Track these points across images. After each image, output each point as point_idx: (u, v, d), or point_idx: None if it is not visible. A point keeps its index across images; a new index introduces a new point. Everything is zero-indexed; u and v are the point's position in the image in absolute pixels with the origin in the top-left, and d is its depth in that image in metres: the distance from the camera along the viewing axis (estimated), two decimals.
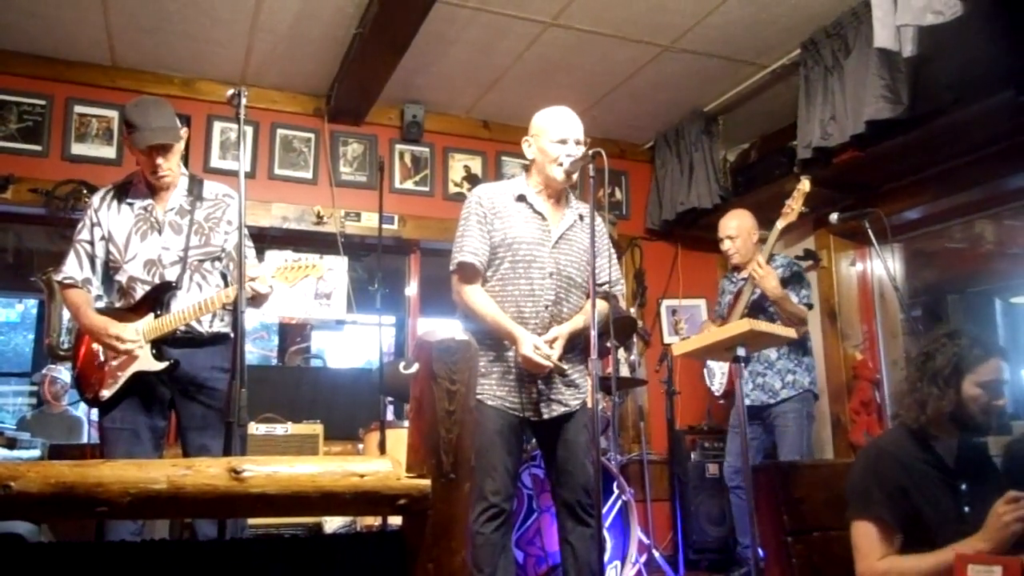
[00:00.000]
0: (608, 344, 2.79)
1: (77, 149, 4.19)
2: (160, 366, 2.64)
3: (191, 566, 1.10)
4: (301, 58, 4.24)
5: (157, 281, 2.70)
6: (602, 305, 2.60)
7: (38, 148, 4.11)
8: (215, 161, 4.42)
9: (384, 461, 1.12)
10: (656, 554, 3.91)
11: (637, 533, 3.58)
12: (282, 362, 5.52)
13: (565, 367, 2.57)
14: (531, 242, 2.60)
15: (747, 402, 3.64)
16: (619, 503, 3.61)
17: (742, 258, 3.87)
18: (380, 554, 1.17)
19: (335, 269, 4.40)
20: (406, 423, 3.56)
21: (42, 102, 4.16)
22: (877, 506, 1.94)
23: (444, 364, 1.13)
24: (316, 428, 3.85)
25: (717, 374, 4.15)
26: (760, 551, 2.43)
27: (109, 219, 2.74)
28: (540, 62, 4.27)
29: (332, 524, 3.69)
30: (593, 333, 2.34)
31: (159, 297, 2.69)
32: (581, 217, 2.68)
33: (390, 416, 3.95)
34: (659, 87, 4.56)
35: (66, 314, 3.92)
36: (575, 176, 2.60)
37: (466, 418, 1.13)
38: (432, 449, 1.11)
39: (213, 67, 4.33)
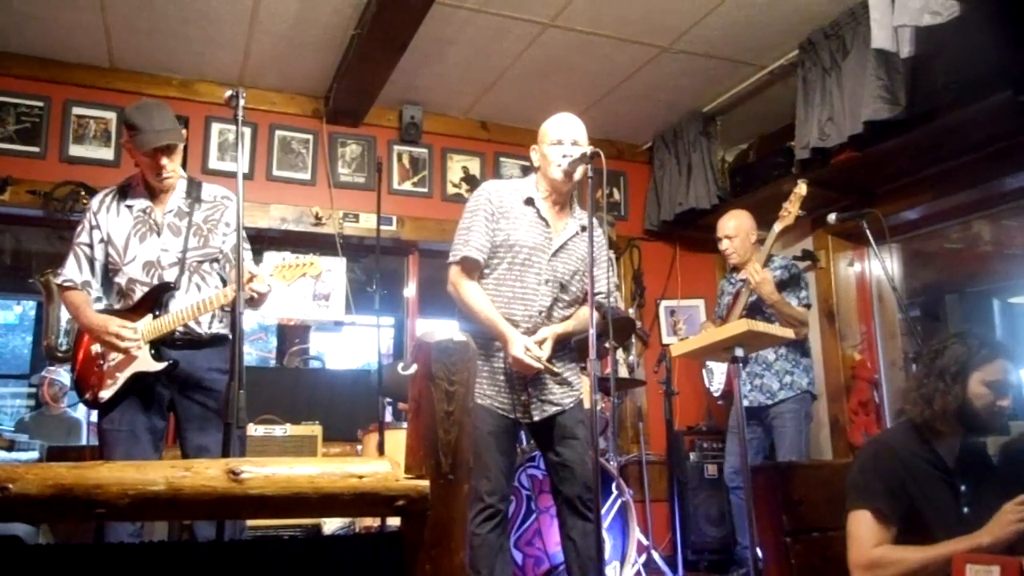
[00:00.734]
0: (606, 345, 2.78)
1: (75, 151, 4.18)
2: (159, 366, 2.64)
3: (190, 568, 1.10)
4: (299, 59, 4.24)
5: (156, 283, 2.70)
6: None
7: (36, 150, 4.11)
8: (213, 162, 4.42)
9: (383, 462, 1.12)
10: (655, 555, 3.91)
11: (636, 534, 3.58)
12: (281, 363, 5.50)
13: (556, 367, 2.57)
14: (532, 247, 2.61)
15: (745, 403, 3.64)
16: (618, 504, 3.61)
17: (740, 258, 3.87)
18: (379, 555, 1.17)
19: (333, 270, 4.40)
20: (405, 424, 3.56)
21: (40, 104, 4.16)
22: (876, 497, 1.95)
23: (442, 365, 1.13)
24: (315, 429, 3.85)
25: (716, 375, 4.15)
26: (759, 551, 2.43)
27: (108, 222, 2.75)
28: (538, 63, 4.27)
29: (331, 525, 3.69)
30: (592, 332, 2.34)
31: (158, 298, 2.69)
32: (583, 228, 2.69)
33: (389, 417, 3.95)
34: (657, 88, 4.56)
35: (64, 316, 3.92)
36: (576, 177, 2.60)
37: (465, 419, 1.14)
38: (430, 450, 1.12)
39: (211, 68, 4.33)
